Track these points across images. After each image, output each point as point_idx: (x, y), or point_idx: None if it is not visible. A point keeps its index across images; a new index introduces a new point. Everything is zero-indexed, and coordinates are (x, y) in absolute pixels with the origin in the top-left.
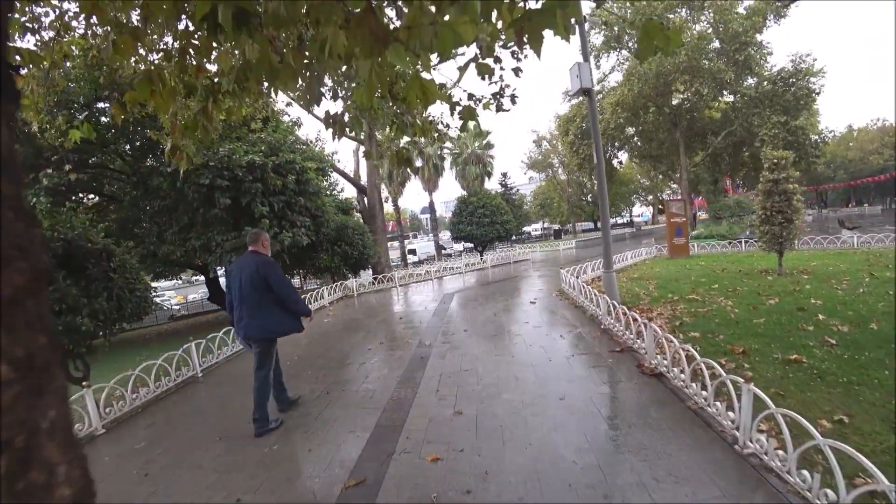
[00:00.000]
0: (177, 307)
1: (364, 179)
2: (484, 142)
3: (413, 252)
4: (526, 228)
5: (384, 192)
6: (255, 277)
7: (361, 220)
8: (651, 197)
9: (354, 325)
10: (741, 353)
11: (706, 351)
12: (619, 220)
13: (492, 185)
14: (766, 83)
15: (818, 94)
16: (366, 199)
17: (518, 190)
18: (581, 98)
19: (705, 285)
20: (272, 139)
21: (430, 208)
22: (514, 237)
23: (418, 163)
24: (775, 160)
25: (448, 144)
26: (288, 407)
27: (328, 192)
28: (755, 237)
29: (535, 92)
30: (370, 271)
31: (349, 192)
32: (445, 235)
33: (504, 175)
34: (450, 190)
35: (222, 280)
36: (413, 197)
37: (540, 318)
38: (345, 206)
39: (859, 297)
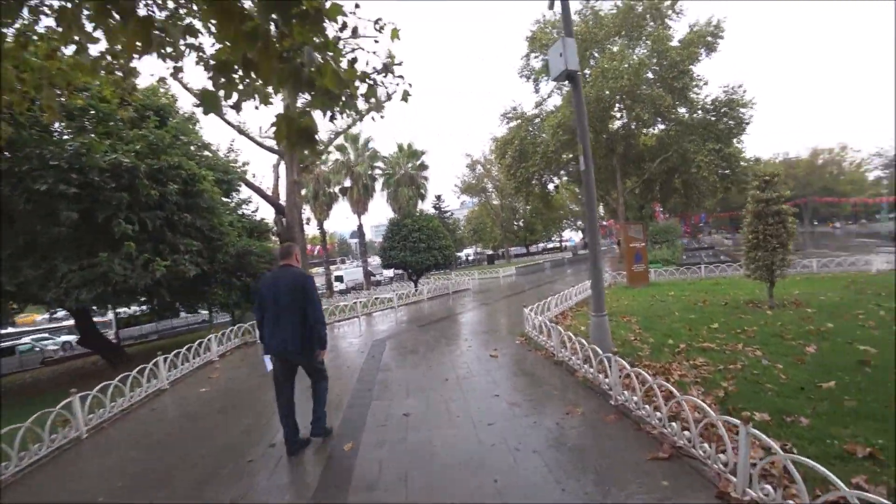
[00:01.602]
0: (54, 348)
1: (284, 198)
2: (418, 162)
3: (340, 279)
4: (459, 254)
5: (307, 214)
6: (295, 290)
7: (279, 245)
8: (580, 223)
9: (242, 400)
10: (868, 457)
11: (811, 454)
12: (550, 245)
13: (425, 207)
14: (699, 112)
15: (748, 123)
16: (284, 220)
17: (452, 214)
18: (518, 122)
19: (700, 324)
20: (155, 136)
21: (359, 232)
22: (453, 264)
23: (347, 182)
24: (766, 177)
25: (380, 164)
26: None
27: (235, 211)
28: (741, 263)
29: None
30: None
31: (265, 212)
32: (375, 261)
33: (438, 198)
34: (381, 213)
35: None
36: (341, 220)
37: (514, 388)
38: (259, 228)
39: None
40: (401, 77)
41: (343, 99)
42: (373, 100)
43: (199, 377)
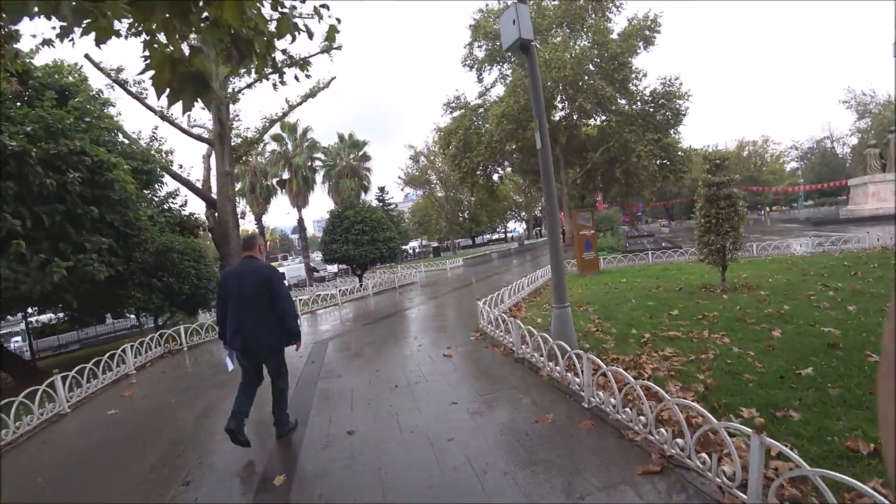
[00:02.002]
0: None
1: (215, 191)
2: (360, 153)
3: (281, 276)
4: (404, 247)
5: (243, 207)
6: (261, 283)
7: (213, 241)
8: (524, 213)
9: (156, 422)
10: (873, 454)
11: (816, 456)
12: (495, 237)
13: (369, 200)
14: (638, 103)
15: (684, 114)
16: (216, 214)
17: (397, 206)
18: (462, 111)
19: (659, 311)
20: (52, 116)
21: (300, 226)
22: (398, 257)
23: (285, 174)
24: (717, 160)
25: (320, 155)
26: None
27: (161, 205)
28: (685, 249)
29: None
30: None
31: (196, 206)
32: (318, 257)
33: (382, 190)
34: (323, 207)
35: None
36: (282, 215)
37: (474, 393)
38: (188, 224)
39: (860, 317)
40: (325, 7)
41: (248, 38)
42: (288, 37)
43: (110, 396)
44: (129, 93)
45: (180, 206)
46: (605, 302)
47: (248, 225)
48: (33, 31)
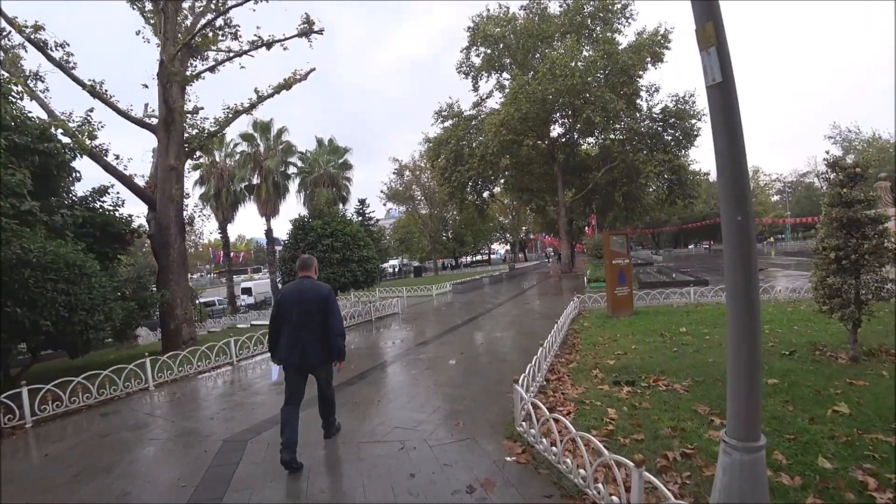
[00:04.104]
0: None
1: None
2: (340, 160)
3: (248, 292)
4: (383, 265)
5: (193, 212)
6: (318, 302)
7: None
8: (509, 235)
9: None
10: None
11: None
12: (477, 258)
13: (348, 212)
14: (647, 121)
15: (696, 135)
16: (156, 217)
17: (378, 221)
18: (454, 120)
19: (807, 402)
20: None
21: (267, 237)
22: (377, 280)
23: (255, 179)
24: (853, 168)
25: (296, 160)
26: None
27: (60, 200)
28: (812, 291)
29: (401, 119)
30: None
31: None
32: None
33: (362, 203)
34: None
35: None
36: (254, 224)
37: None
38: (114, 227)
39: None
40: None
41: None
42: None
43: None
44: (51, 59)
45: (113, 207)
46: (691, 370)
47: (211, 234)
48: None
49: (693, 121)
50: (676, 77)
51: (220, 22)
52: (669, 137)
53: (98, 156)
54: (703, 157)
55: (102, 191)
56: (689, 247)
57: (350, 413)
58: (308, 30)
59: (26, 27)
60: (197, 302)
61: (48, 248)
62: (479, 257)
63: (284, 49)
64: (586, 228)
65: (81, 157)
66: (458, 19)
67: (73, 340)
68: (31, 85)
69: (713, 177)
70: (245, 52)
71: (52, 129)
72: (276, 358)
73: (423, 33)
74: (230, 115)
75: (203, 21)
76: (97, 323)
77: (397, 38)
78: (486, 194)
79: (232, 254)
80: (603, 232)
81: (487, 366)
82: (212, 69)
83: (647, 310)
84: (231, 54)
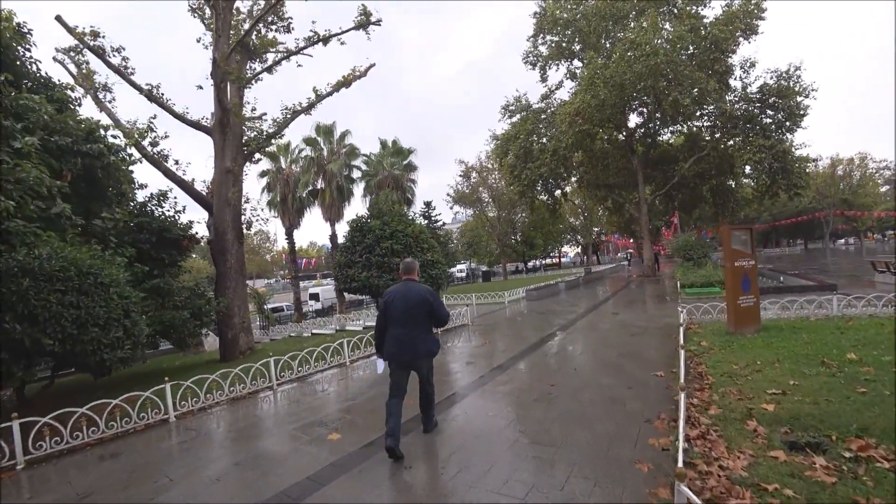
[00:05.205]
0: None
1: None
2: (404, 162)
3: (316, 297)
4: (451, 269)
5: (250, 217)
6: (423, 303)
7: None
8: (580, 237)
9: None
10: None
11: None
12: (547, 261)
13: (413, 215)
14: (741, 102)
15: (804, 115)
16: (214, 222)
17: (444, 224)
18: (523, 114)
19: None
20: None
21: (332, 242)
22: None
23: (319, 184)
24: None
25: (359, 164)
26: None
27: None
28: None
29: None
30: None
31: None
32: None
33: (427, 205)
34: None
35: None
36: (322, 229)
37: None
38: (172, 233)
39: None
40: None
41: None
42: None
43: None
44: (109, 65)
45: (175, 213)
46: None
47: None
48: None
49: (799, 98)
50: (773, 52)
51: (271, 17)
52: (769, 120)
53: (158, 161)
54: (814, 138)
55: (162, 196)
56: (783, 247)
57: (398, 493)
58: (365, 21)
59: (85, 35)
60: (265, 307)
61: (60, 253)
62: (548, 260)
63: (342, 44)
64: (665, 228)
65: (141, 161)
66: (518, 18)
67: (84, 361)
68: (101, 97)
69: (823, 163)
70: (301, 50)
71: (101, 131)
72: (383, 355)
73: (483, 34)
74: (288, 116)
75: (255, 16)
76: (113, 341)
77: (457, 40)
78: (557, 193)
79: (304, 260)
80: (723, 226)
81: (591, 407)
82: (269, 69)
83: (776, 323)
84: (287, 52)
